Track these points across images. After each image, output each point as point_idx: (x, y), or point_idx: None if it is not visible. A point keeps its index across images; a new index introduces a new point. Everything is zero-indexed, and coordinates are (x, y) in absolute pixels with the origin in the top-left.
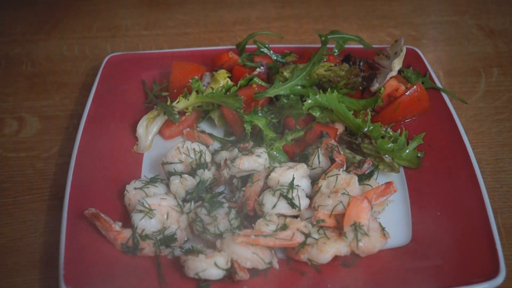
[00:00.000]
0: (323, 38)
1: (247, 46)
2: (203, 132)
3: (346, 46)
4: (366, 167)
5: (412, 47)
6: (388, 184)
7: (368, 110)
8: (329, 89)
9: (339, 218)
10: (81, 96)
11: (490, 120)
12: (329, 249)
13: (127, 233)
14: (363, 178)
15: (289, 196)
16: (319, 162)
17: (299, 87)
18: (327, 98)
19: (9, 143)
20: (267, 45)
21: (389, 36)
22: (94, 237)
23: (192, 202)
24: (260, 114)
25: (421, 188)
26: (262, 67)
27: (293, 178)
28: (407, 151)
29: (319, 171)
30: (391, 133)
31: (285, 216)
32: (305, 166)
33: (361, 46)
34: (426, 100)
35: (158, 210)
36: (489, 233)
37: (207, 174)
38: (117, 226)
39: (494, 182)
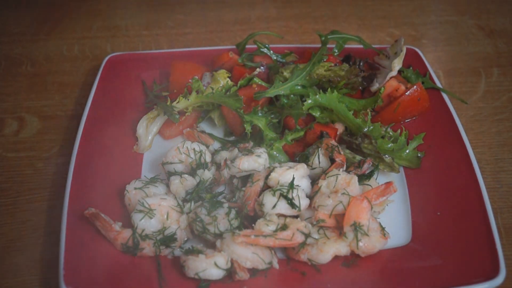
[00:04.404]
0: (323, 38)
1: (247, 46)
2: (203, 132)
3: (346, 46)
4: (366, 167)
5: (412, 47)
6: (388, 184)
7: (368, 110)
8: (329, 89)
9: (339, 218)
10: (81, 96)
11: (490, 120)
12: (329, 249)
13: (127, 233)
14: (363, 178)
15: (289, 196)
16: (319, 162)
17: (299, 87)
18: (327, 98)
19: (9, 143)
20: (267, 45)
21: (389, 36)
22: (94, 237)
23: (192, 202)
24: (260, 114)
25: (421, 188)
26: (262, 67)
27: (293, 178)
28: (407, 151)
29: (319, 171)
30: (391, 133)
31: (285, 216)
32: (305, 166)
33: (361, 46)
34: (426, 100)
35: (158, 210)
36: (489, 233)
37: (207, 174)
38: (117, 226)
39: (494, 182)
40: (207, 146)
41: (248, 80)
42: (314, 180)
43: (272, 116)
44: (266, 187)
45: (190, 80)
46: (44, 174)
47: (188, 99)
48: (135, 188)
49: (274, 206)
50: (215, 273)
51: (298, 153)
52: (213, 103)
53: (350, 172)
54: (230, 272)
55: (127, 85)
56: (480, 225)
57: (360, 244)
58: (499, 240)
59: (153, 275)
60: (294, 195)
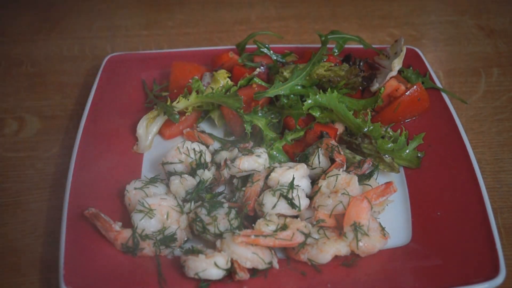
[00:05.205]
0: (323, 38)
1: (247, 46)
2: (203, 132)
3: (346, 46)
4: (366, 167)
5: (412, 47)
6: (388, 184)
7: (368, 110)
8: (329, 89)
9: (339, 218)
10: (81, 96)
11: (490, 120)
12: (329, 249)
13: (127, 233)
14: (363, 178)
15: (289, 196)
16: (319, 162)
17: (299, 87)
18: (327, 98)
19: (9, 143)
20: (267, 45)
21: (389, 36)
22: (94, 237)
23: (192, 202)
24: (260, 114)
25: (421, 188)
26: (262, 67)
27: (293, 178)
28: (407, 151)
29: (319, 171)
30: (391, 133)
31: (285, 216)
32: (305, 166)
33: (361, 46)
34: (426, 100)
35: (158, 210)
36: (489, 233)
37: (207, 174)
38: (117, 226)
39: (494, 182)
40: (207, 146)
41: (248, 80)
42: (314, 180)
43: (272, 116)
44: (266, 187)
45: (190, 80)
46: (44, 174)
47: (188, 99)
48: (135, 188)
49: (274, 206)
50: (215, 273)
51: (298, 153)
52: (213, 103)
53: (350, 172)
54: (230, 272)
55: (127, 85)
56: (480, 225)
57: (360, 244)
58: (499, 240)
59: (153, 275)
60: (294, 195)
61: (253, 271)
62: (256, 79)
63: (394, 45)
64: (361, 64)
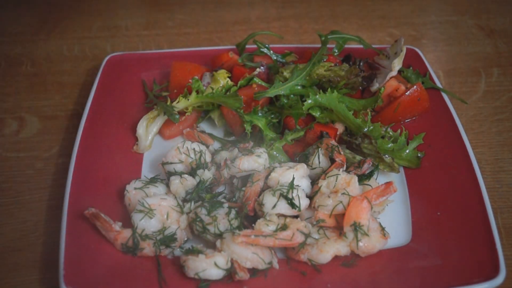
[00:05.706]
0: (323, 38)
1: (247, 46)
2: (203, 132)
3: (346, 46)
4: (366, 167)
5: (412, 47)
6: (388, 184)
7: (368, 110)
8: (329, 89)
9: (339, 218)
10: (81, 96)
11: (490, 120)
12: (329, 249)
13: (127, 233)
14: (363, 178)
15: (289, 196)
16: (319, 162)
17: (299, 87)
18: (327, 98)
19: (9, 143)
20: (267, 45)
21: (389, 36)
22: (94, 237)
23: (192, 202)
24: (260, 114)
25: (421, 188)
26: (262, 67)
27: (293, 178)
28: (407, 151)
29: (319, 171)
30: (391, 133)
31: (285, 216)
32: (305, 166)
33: (361, 46)
34: (426, 100)
35: (158, 210)
36: (489, 233)
37: (207, 174)
38: (117, 226)
39: (494, 182)
40: (207, 146)
41: (248, 80)
42: (314, 180)
43: (272, 116)
44: (266, 187)
45: (190, 80)
46: (44, 174)
47: (188, 99)
48: (135, 188)
49: (274, 206)
50: (215, 273)
51: (298, 153)
52: (213, 103)
53: (350, 172)
54: (230, 272)
55: (127, 85)
56: (480, 225)
57: (360, 244)
58: (499, 240)
59: (153, 275)
60: (294, 195)
61: (253, 271)
62: (256, 79)
63: (394, 45)
64: (361, 64)
